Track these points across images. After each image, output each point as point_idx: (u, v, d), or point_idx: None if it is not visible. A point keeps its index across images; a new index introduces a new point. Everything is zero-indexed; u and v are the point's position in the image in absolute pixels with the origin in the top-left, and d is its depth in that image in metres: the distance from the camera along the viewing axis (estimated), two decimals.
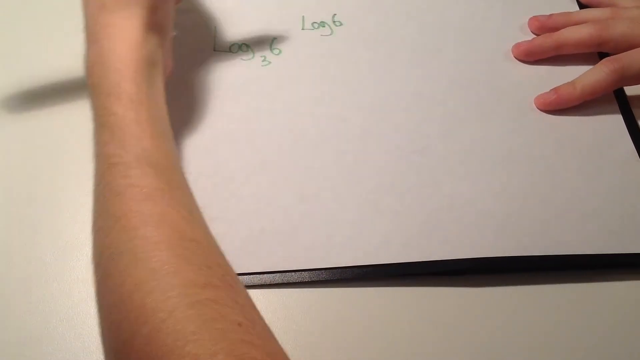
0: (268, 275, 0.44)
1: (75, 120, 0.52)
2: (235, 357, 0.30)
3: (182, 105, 0.52)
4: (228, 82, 0.54)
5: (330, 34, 0.57)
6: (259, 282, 0.44)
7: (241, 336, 0.32)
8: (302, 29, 0.58)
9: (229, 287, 0.34)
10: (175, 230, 0.35)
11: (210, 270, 0.34)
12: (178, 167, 0.40)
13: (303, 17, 0.58)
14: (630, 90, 0.54)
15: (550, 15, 0.57)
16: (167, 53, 0.47)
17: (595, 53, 0.55)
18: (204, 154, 0.49)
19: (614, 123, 0.52)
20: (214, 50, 0.56)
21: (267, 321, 0.42)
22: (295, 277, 0.44)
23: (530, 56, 0.55)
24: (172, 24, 0.47)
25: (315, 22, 0.58)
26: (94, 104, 0.41)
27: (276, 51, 0.56)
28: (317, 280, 0.44)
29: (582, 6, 0.60)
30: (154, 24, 0.44)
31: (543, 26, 0.57)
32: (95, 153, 0.40)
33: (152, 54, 0.43)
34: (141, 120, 0.40)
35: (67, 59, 0.53)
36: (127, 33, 0.42)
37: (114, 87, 0.40)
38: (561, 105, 0.52)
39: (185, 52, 0.55)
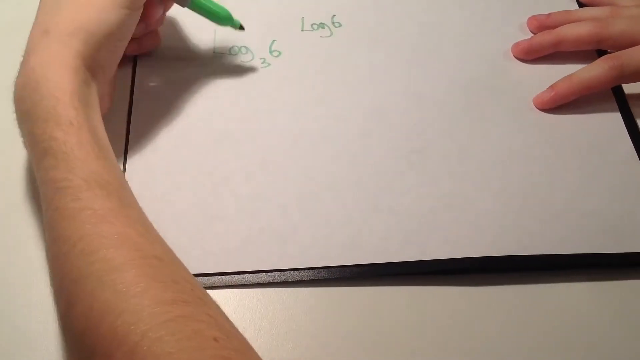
0: (267, 274, 0.44)
1: None
2: None
3: (183, 107, 0.52)
4: (228, 84, 0.54)
5: (330, 35, 0.57)
6: (258, 281, 0.44)
7: (218, 352, 0.31)
8: (302, 30, 0.58)
9: (199, 301, 0.34)
10: (136, 249, 0.35)
11: (178, 286, 0.34)
12: (126, 186, 0.40)
13: (302, 18, 0.58)
14: (629, 90, 0.54)
15: (550, 14, 0.57)
16: (107, 92, 0.46)
17: (594, 52, 0.55)
18: (204, 154, 0.49)
19: (613, 122, 0.52)
20: (214, 52, 0.56)
21: (266, 320, 0.43)
22: (294, 276, 0.44)
23: (530, 54, 0.55)
24: (115, 67, 0.46)
25: (315, 24, 0.58)
26: (28, 130, 0.40)
27: (276, 53, 0.56)
28: (316, 279, 0.44)
29: (581, 5, 0.60)
30: (94, 61, 0.43)
31: (542, 25, 0.57)
32: (40, 179, 0.39)
33: (87, 81, 0.42)
34: (84, 143, 0.38)
35: None
36: (62, 60, 0.41)
37: (50, 111, 0.39)
38: (559, 101, 0.52)
39: (185, 54, 0.55)
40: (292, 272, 0.44)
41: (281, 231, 0.46)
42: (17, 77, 0.42)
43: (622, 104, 0.53)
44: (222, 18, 0.52)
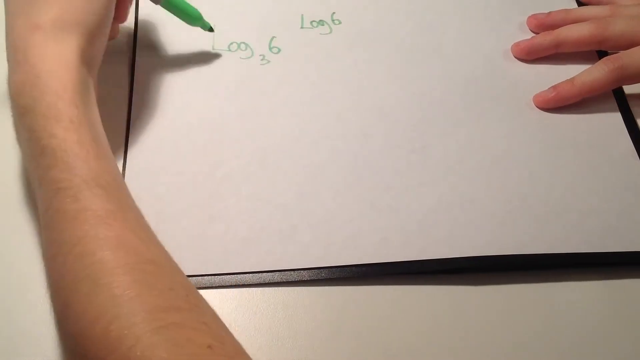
0: (267, 274, 0.44)
1: None
2: None
3: (182, 105, 0.52)
4: (227, 81, 0.54)
5: (329, 33, 0.57)
6: (259, 281, 0.44)
7: (212, 358, 0.31)
8: (301, 27, 0.58)
9: (194, 308, 0.34)
10: (133, 253, 0.34)
11: (173, 292, 0.34)
12: (125, 188, 0.39)
13: (302, 15, 0.58)
14: (629, 89, 0.54)
15: (549, 13, 0.57)
16: (95, 85, 0.46)
17: (594, 51, 0.56)
18: (203, 153, 0.49)
19: (613, 122, 0.52)
20: (213, 48, 0.56)
21: (266, 319, 0.43)
22: (294, 276, 0.44)
23: (530, 54, 0.55)
24: (101, 58, 0.46)
25: (314, 21, 0.58)
26: (26, 126, 0.39)
27: (275, 50, 0.56)
28: (316, 279, 0.44)
29: (581, 4, 0.60)
30: (88, 53, 0.43)
31: (542, 24, 0.57)
32: (38, 178, 0.38)
33: (86, 79, 0.42)
34: (84, 142, 0.38)
35: None
36: (63, 57, 0.41)
37: (51, 108, 0.38)
38: (560, 103, 0.52)
39: (184, 50, 0.55)
40: (292, 272, 0.44)
41: (281, 231, 0.46)
42: (13, 73, 0.41)
43: (622, 103, 0.53)
44: (193, 18, 0.52)
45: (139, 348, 0.30)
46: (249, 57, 0.55)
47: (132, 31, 0.57)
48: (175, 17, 0.52)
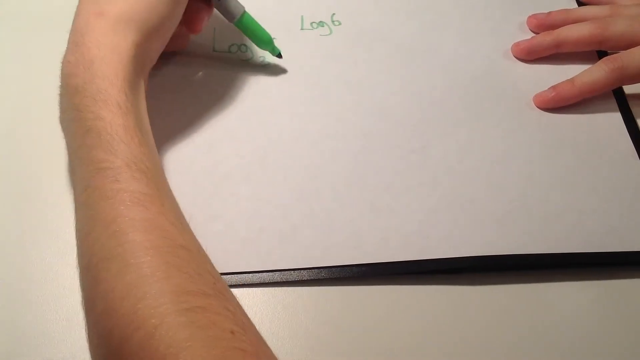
0: (267, 273, 0.44)
1: None
2: None
3: (182, 105, 0.52)
4: (227, 83, 0.54)
5: (329, 34, 0.57)
6: (258, 281, 0.44)
7: (233, 344, 0.32)
8: (301, 28, 0.58)
9: (220, 295, 0.34)
10: (166, 237, 0.35)
11: (201, 278, 0.34)
12: (164, 176, 0.41)
13: (302, 16, 0.58)
14: (629, 89, 0.54)
15: (549, 13, 0.57)
16: (146, 82, 0.46)
17: (594, 51, 0.56)
18: (204, 153, 0.49)
19: (613, 122, 0.52)
20: (213, 50, 0.56)
21: (266, 319, 0.43)
22: (294, 276, 0.44)
23: (530, 54, 0.55)
24: (155, 60, 0.47)
25: (314, 22, 0.58)
26: (74, 106, 0.40)
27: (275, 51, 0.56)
28: (316, 279, 0.44)
29: (581, 4, 0.60)
30: (143, 51, 0.44)
31: (542, 24, 0.57)
32: (78, 156, 0.39)
33: (137, 73, 0.43)
34: (129, 127, 0.39)
35: None
36: (118, 47, 0.42)
37: (102, 92, 0.40)
38: (560, 103, 0.52)
39: (184, 52, 0.55)
40: (292, 272, 0.44)
41: (281, 231, 0.46)
42: (69, 53, 0.42)
43: (622, 103, 0.53)
44: (264, 42, 0.53)
45: (164, 327, 0.31)
46: (249, 59, 0.55)
47: None
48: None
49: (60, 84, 0.43)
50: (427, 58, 0.56)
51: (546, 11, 0.58)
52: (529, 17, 0.58)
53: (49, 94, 0.54)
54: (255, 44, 0.54)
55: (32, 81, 0.54)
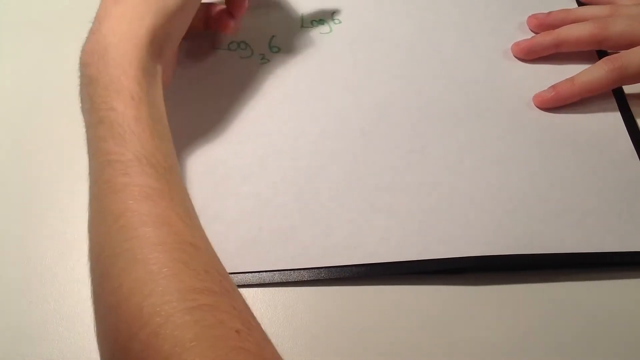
0: (267, 273, 0.44)
1: (75, 120, 0.52)
2: None
3: (181, 103, 0.52)
4: (227, 80, 0.54)
5: (329, 32, 0.57)
6: (258, 281, 0.44)
7: (239, 343, 0.31)
8: (301, 26, 0.58)
9: (227, 293, 0.34)
10: (175, 232, 0.35)
11: (208, 276, 0.34)
12: (177, 169, 0.40)
13: (302, 15, 0.58)
14: (628, 89, 0.54)
15: (549, 12, 0.57)
16: (169, 65, 0.46)
17: (594, 51, 0.55)
18: (203, 153, 0.49)
19: (613, 121, 0.52)
20: (213, 48, 0.56)
21: (266, 319, 0.43)
22: (294, 276, 0.44)
23: (530, 54, 0.55)
24: (179, 41, 0.47)
25: (315, 20, 0.58)
26: (89, 96, 0.40)
27: (275, 49, 0.56)
28: (316, 279, 0.44)
29: (581, 4, 0.60)
30: (161, 34, 0.43)
31: (542, 24, 0.57)
32: (91, 147, 0.39)
33: (154, 59, 0.42)
34: (141, 119, 0.39)
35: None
36: (133, 33, 0.41)
37: (115, 82, 0.39)
38: (559, 102, 0.52)
39: (184, 49, 0.55)
40: (292, 272, 0.44)
41: (281, 231, 0.46)
42: (86, 42, 0.42)
43: (622, 103, 0.53)
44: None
45: (169, 326, 0.31)
46: (249, 57, 0.55)
47: None
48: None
49: (78, 73, 0.42)
50: (427, 57, 0.56)
51: (546, 11, 0.57)
52: (529, 17, 0.58)
53: (49, 93, 0.54)
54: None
55: (31, 81, 0.54)
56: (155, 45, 0.43)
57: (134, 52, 0.41)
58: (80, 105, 0.42)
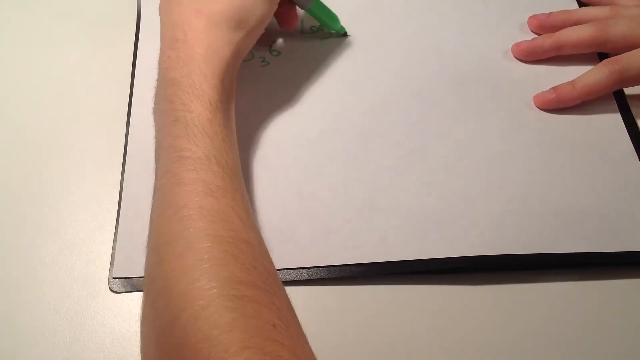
0: None
1: (76, 122, 0.52)
2: (265, 354, 0.31)
3: None
4: None
5: (329, 37, 0.57)
6: None
7: (273, 335, 0.32)
8: (302, 32, 0.58)
9: (270, 290, 0.35)
10: (231, 228, 0.36)
11: (256, 271, 0.35)
12: (240, 174, 0.42)
13: (302, 20, 0.58)
14: (629, 90, 0.54)
15: (550, 13, 0.57)
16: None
17: (594, 53, 0.55)
18: None
19: (613, 122, 0.52)
20: None
21: None
22: (293, 275, 0.44)
23: (530, 56, 0.55)
24: (244, 56, 0.49)
25: (314, 26, 0.58)
26: (168, 97, 0.43)
27: (275, 52, 0.56)
28: (315, 279, 0.44)
29: (581, 5, 0.60)
30: (239, 49, 0.46)
31: (542, 25, 0.57)
32: (163, 143, 0.41)
33: (232, 72, 0.45)
34: (215, 123, 0.41)
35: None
36: (218, 47, 0.44)
37: (196, 87, 0.42)
38: (560, 105, 0.52)
39: None
40: (291, 271, 0.44)
41: (280, 230, 0.46)
42: (169, 48, 0.45)
43: (622, 104, 0.53)
44: (335, 21, 0.56)
45: (210, 310, 0.32)
46: (249, 60, 0.56)
47: (134, 34, 0.57)
48: None
49: (157, 77, 0.45)
50: (427, 58, 0.56)
51: (547, 12, 0.57)
52: (530, 17, 0.58)
53: (50, 94, 0.55)
54: (325, 27, 0.57)
55: (32, 81, 0.55)
56: (235, 59, 0.46)
57: (218, 64, 0.44)
58: (153, 106, 0.45)
